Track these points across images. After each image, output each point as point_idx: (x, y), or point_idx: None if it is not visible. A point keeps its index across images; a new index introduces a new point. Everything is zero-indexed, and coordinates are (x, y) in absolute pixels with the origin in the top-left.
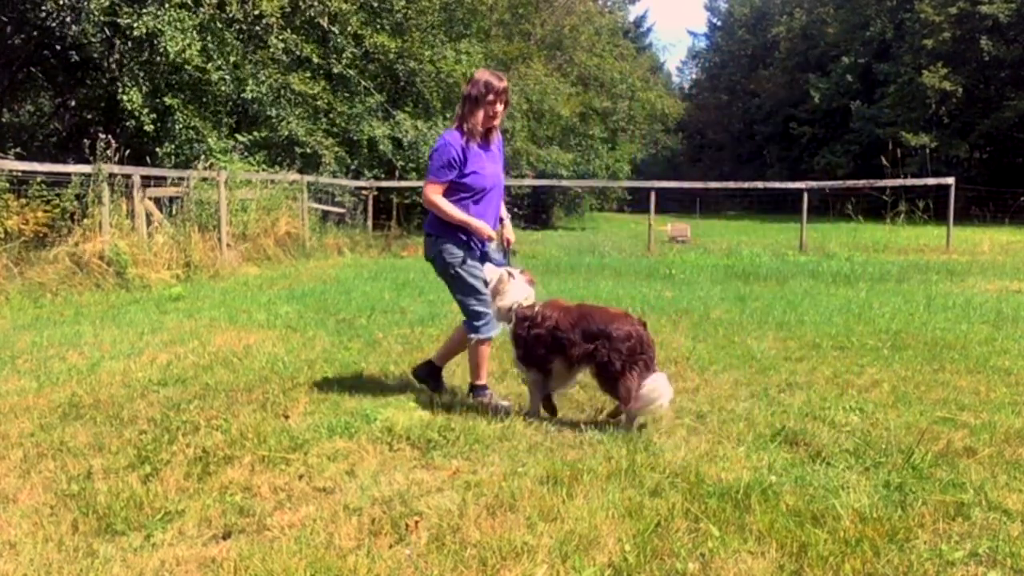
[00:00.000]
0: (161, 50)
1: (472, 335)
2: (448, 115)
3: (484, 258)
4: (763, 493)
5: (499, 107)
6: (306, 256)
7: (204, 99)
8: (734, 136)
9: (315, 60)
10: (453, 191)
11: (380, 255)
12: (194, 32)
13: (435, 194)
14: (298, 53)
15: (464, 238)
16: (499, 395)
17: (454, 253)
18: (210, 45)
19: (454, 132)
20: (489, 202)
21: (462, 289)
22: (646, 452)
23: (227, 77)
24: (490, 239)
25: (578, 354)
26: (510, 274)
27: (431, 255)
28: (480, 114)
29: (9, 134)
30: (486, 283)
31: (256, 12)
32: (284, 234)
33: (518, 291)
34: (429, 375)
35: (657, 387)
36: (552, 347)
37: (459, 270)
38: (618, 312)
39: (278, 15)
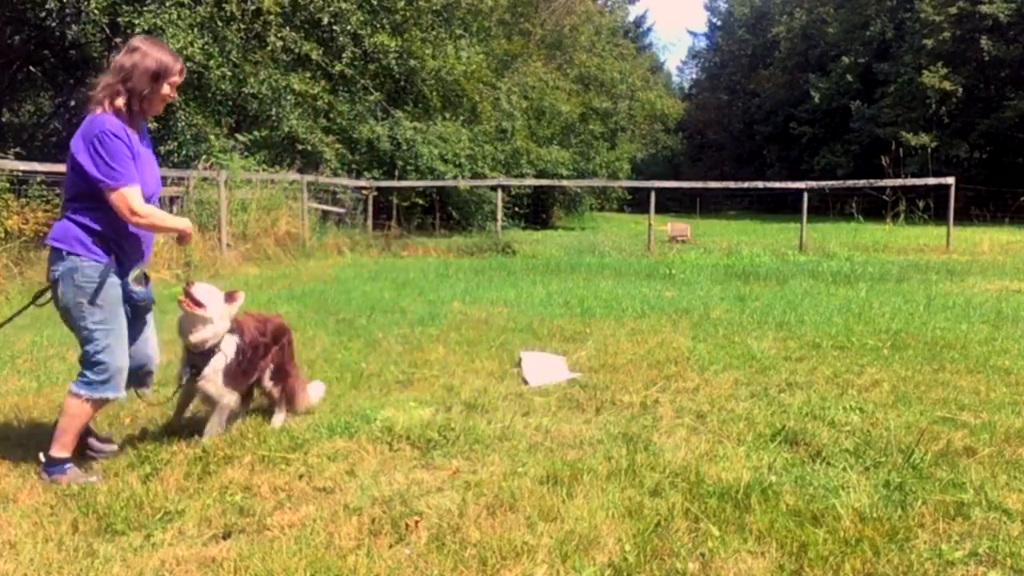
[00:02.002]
0: None
1: (85, 393)
2: (448, 114)
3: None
4: (763, 493)
5: (174, 93)
6: (306, 256)
7: (205, 97)
8: (734, 136)
9: (315, 58)
10: (99, 201)
11: (380, 255)
12: (194, 30)
13: (140, 201)
14: (297, 51)
15: (106, 253)
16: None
17: (91, 277)
18: (209, 44)
19: (111, 116)
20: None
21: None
22: (646, 452)
23: (228, 75)
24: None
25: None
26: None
27: (57, 272)
28: (152, 93)
29: (9, 134)
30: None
31: (254, 8)
32: (284, 234)
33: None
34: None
35: None
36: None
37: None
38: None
39: (277, 12)
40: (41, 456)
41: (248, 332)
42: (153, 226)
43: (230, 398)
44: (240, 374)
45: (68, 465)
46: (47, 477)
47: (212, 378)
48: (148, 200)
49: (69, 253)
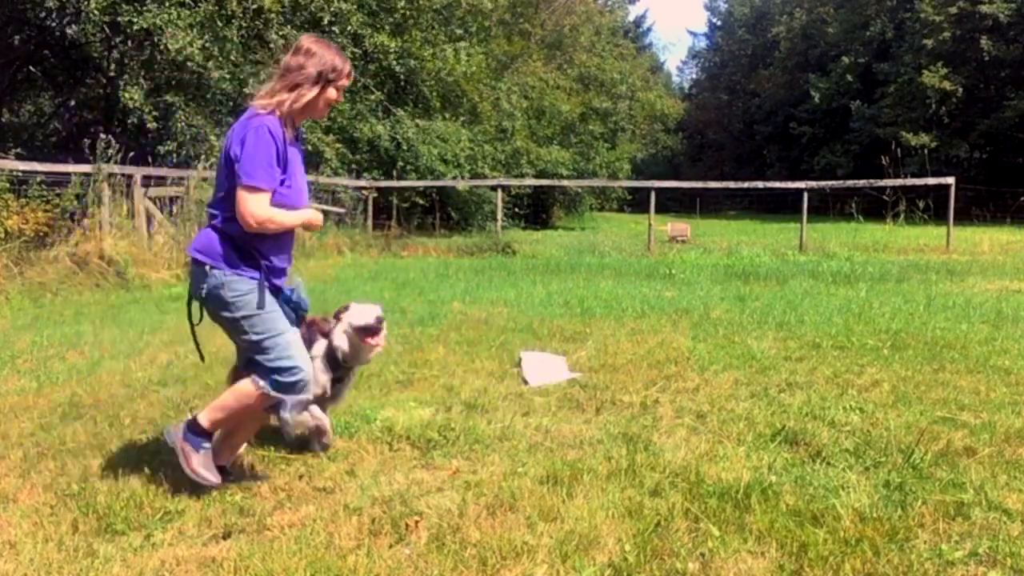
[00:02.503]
0: (162, 48)
1: (265, 385)
2: (448, 114)
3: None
4: (763, 493)
5: (339, 96)
6: (306, 256)
7: (205, 98)
8: (734, 136)
9: None
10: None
11: (380, 255)
12: (194, 30)
13: (265, 206)
14: None
15: (255, 269)
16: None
17: (241, 291)
18: (210, 44)
19: (270, 117)
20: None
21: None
22: (646, 452)
23: (227, 76)
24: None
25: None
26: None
27: (205, 289)
28: (316, 97)
29: (9, 134)
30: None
31: (255, 7)
32: None
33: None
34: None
35: None
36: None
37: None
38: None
39: (277, 11)
40: (190, 414)
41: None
42: (271, 230)
43: None
44: None
45: (207, 445)
46: (178, 440)
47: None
48: (295, 208)
49: (213, 268)
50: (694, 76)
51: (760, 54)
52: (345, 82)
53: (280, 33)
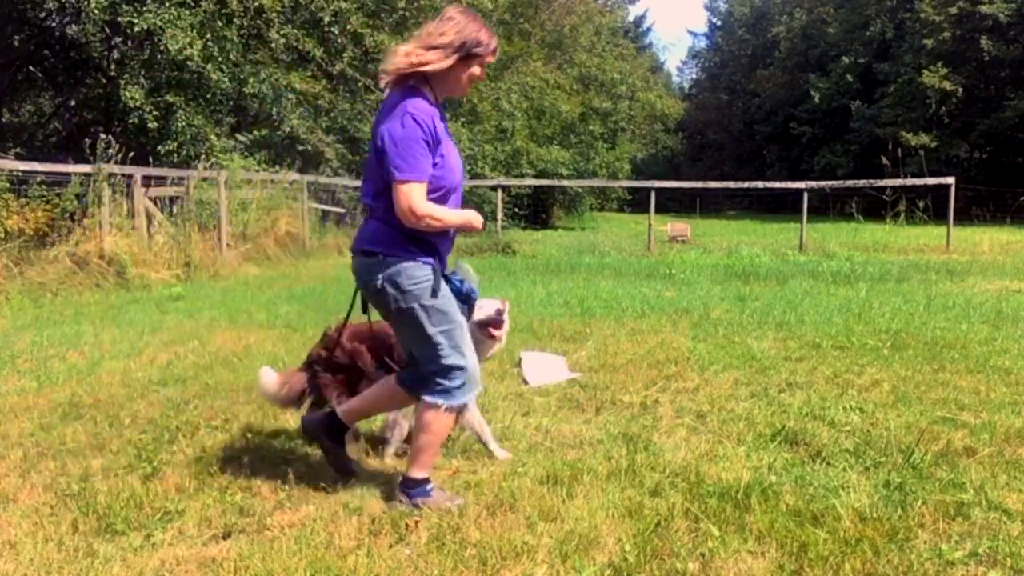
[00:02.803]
0: (162, 48)
1: (442, 402)
2: (447, 114)
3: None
4: (763, 493)
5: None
6: (306, 256)
7: (205, 97)
8: (734, 136)
9: (317, 55)
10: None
11: None
12: (194, 31)
13: (422, 200)
14: (299, 48)
15: (429, 255)
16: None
17: (419, 278)
18: (211, 43)
19: (419, 99)
20: (456, 204)
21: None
22: (646, 452)
23: (228, 75)
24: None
25: None
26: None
27: (380, 279)
28: (463, 73)
29: (9, 134)
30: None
31: (256, 5)
32: (284, 234)
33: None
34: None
35: None
36: None
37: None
38: None
39: (278, 10)
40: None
41: None
42: (432, 228)
43: None
44: None
45: (431, 486)
46: (408, 501)
47: None
48: (453, 190)
49: (387, 256)
50: (694, 76)
51: (760, 54)
52: (491, 59)
53: (281, 32)
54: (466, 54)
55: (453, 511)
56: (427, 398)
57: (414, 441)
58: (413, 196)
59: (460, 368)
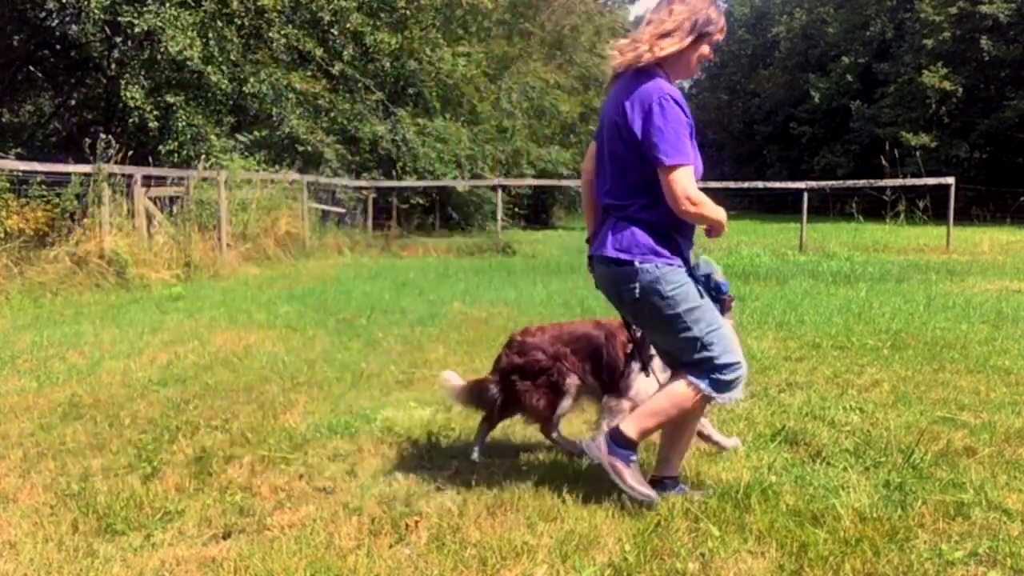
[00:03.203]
0: (162, 49)
1: (705, 386)
2: (448, 115)
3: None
4: (763, 493)
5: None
6: (306, 256)
7: (205, 97)
8: (734, 136)
9: (317, 55)
10: (656, 190)
11: (380, 255)
12: (194, 31)
13: (692, 184)
14: (299, 47)
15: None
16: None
17: (678, 283)
18: (211, 43)
19: (665, 81)
20: None
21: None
22: (646, 452)
23: (228, 76)
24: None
25: None
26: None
27: (638, 288)
28: (694, 56)
29: (9, 134)
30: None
31: (257, 6)
32: (284, 234)
33: None
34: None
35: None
36: None
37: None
38: None
39: (278, 10)
40: (604, 425)
41: None
42: (702, 216)
43: None
44: None
45: (634, 457)
46: (603, 455)
47: None
48: (698, 179)
49: (642, 262)
50: (694, 76)
51: (760, 54)
52: (719, 37)
53: (281, 32)
54: (698, 35)
55: (641, 499)
56: (693, 377)
57: (652, 402)
58: (687, 182)
59: (732, 365)
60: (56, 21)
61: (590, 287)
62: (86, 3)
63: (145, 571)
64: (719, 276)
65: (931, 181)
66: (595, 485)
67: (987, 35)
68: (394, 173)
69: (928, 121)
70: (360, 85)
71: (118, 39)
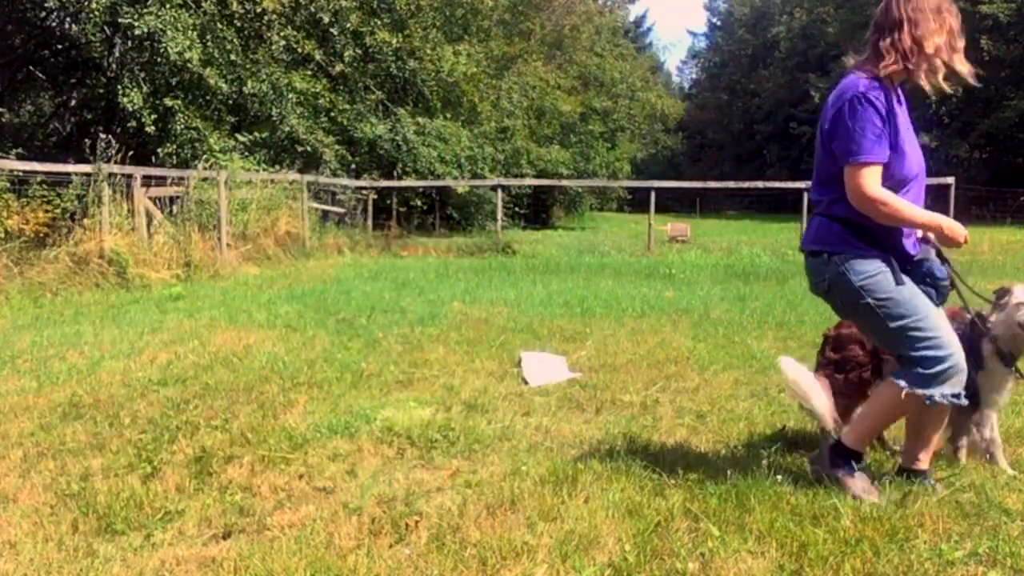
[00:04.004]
0: (162, 51)
1: (905, 385)
2: (448, 115)
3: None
4: (763, 493)
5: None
6: (306, 256)
7: (205, 99)
8: (734, 136)
9: (316, 57)
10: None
11: (380, 255)
12: (194, 33)
13: (876, 183)
14: (299, 50)
15: (877, 249)
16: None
17: (868, 272)
18: (211, 45)
19: (864, 78)
20: (918, 198)
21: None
22: (646, 452)
23: (227, 78)
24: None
25: None
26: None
27: (827, 280)
28: (940, 41)
29: (9, 134)
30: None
31: (258, 9)
32: (284, 234)
33: None
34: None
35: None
36: None
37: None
38: None
39: (279, 11)
40: (830, 437)
41: None
42: (890, 216)
43: None
44: None
45: (859, 467)
46: (827, 470)
47: None
48: (910, 180)
49: (832, 255)
50: (694, 76)
51: (760, 54)
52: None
53: (281, 35)
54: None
55: (863, 500)
56: (895, 378)
57: (865, 408)
58: (865, 179)
59: (935, 359)
60: (56, 21)
61: (590, 287)
62: (87, 3)
63: (145, 571)
64: (936, 267)
65: (931, 181)
66: (595, 485)
67: (987, 35)
68: (394, 173)
69: (928, 121)
70: (360, 85)
71: (118, 40)
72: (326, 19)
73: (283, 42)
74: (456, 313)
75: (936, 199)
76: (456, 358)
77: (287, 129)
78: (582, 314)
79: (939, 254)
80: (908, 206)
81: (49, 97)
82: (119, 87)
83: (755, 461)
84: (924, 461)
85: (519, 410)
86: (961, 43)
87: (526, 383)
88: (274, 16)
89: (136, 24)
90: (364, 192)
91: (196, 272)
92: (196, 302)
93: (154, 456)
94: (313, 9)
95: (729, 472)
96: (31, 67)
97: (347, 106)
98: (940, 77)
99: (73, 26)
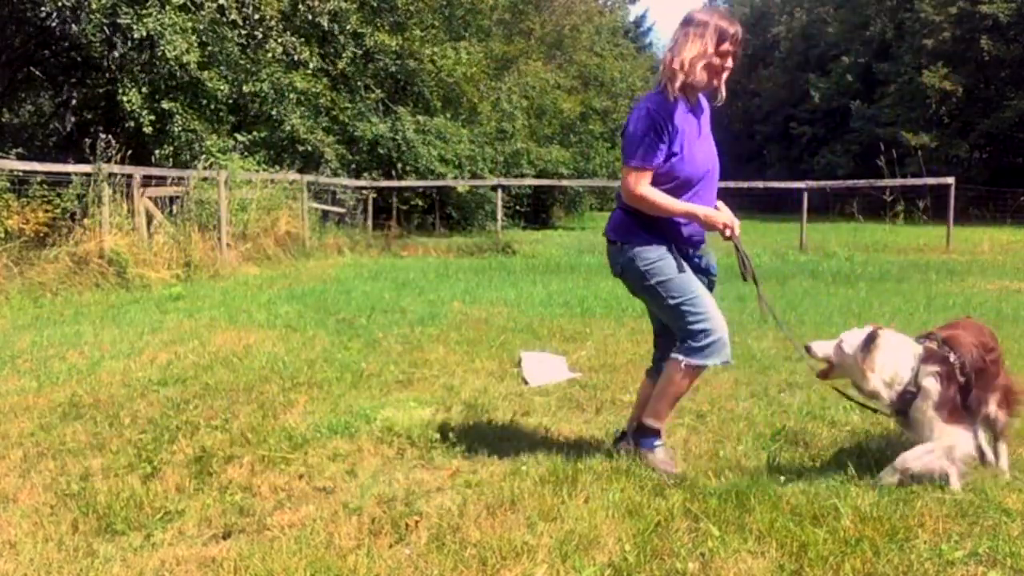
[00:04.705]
0: (160, 53)
1: (683, 358)
2: (448, 114)
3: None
4: (763, 493)
5: (730, 62)
6: (306, 256)
7: (203, 100)
8: (734, 136)
9: (313, 65)
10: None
11: (380, 255)
12: (193, 36)
13: (643, 184)
14: (296, 57)
15: (668, 243)
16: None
17: (651, 259)
18: (211, 47)
19: (652, 93)
20: (707, 196)
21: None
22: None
23: (226, 78)
24: (726, 231)
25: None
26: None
27: (620, 265)
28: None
29: (9, 134)
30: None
31: (257, 17)
32: (284, 234)
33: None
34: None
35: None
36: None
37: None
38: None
39: (278, 17)
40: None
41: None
42: (653, 209)
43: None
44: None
45: (659, 442)
46: (635, 448)
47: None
48: (697, 181)
49: (623, 243)
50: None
51: (760, 54)
52: (729, 47)
53: (279, 41)
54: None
55: (664, 477)
56: (674, 353)
57: (656, 389)
58: (632, 179)
59: (704, 331)
60: (56, 21)
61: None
62: (86, 3)
63: (145, 571)
64: (711, 260)
65: (931, 181)
66: (595, 485)
67: (987, 35)
68: (394, 173)
69: (928, 121)
70: (360, 84)
71: (118, 40)
72: (325, 23)
73: (280, 49)
74: (456, 313)
75: (936, 199)
76: (456, 358)
77: (288, 129)
78: (582, 314)
79: (739, 252)
80: (667, 200)
81: (49, 97)
82: (119, 87)
83: (755, 461)
84: (660, 420)
85: (519, 410)
86: (719, 61)
87: (526, 383)
88: (272, 24)
89: (135, 27)
90: (364, 192)
91: (196, 272)
92: (196, 302)
93: (154, 456)
94: (312, 15)
95: (729, 472)
96: (31, 67)
97: (348, 105)
98: (677, 87)
99: (73, 26)
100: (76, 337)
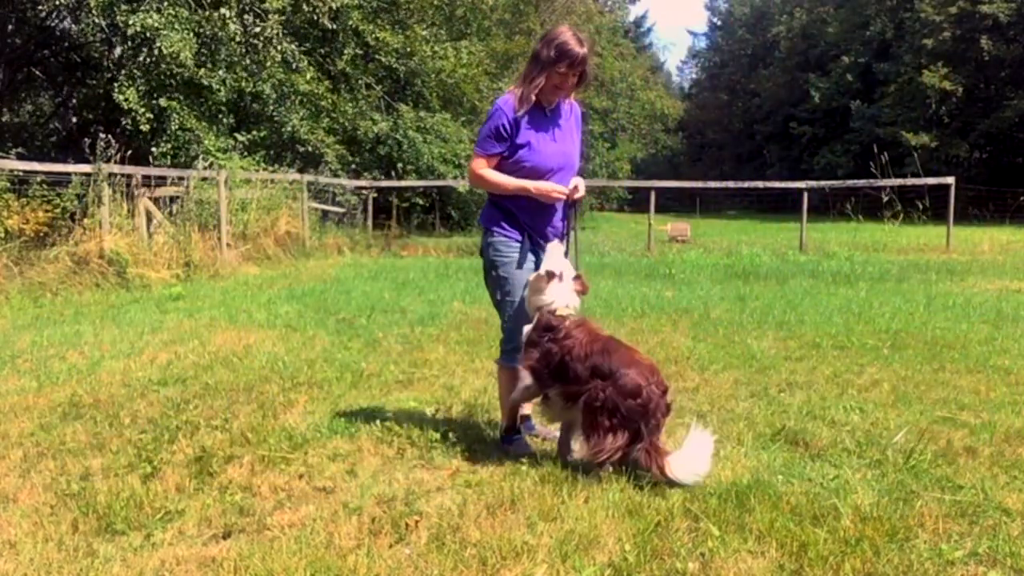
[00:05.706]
0: (157, 51)
1: (501, 360)
2: (448, 114)
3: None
4: (763, 493)
5: (571, 80)
6: (306, 256)
7: (201, 99)
8: (734, 136)
9: (310, 73)
10: (506, 169)
11: (380, 255)
12: (189, 33)
13: (480, 167)
14: (296, 65)
15: (518, 231)
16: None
17: (502, 252)
18: (210, 44)
19: (507, 96)
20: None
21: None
22: None
23: (225, 79)
24: (560, 198)
25: (574, 392)
26: (553, 275)
27: (481, 250)
28: (542, 81)
29: (9, 134)
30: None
31: (257, 29)
32: (284, 234)
33: (558, 294)
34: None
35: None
36: (557, 372)
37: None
38: (644, 361)
39: (279, 25)
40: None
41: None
42: (488, 186)
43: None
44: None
45: (515, 438)
46: (503, 447)
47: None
48: (547, 172)
49: (486, 231)
50: (694, 76)
51: (760, 54)
52: (564, 70)
53: (279, 48)
54: (543, 67)
55: (521, 457)
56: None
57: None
58: (474, 164)
59: (509, 333)
60: (56, 21)
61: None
62: (85, 2)
63: (145, 571)
64: (551, 263)
65: (931, 181)
66: (595, 485)
67: (987, 35)
68: (394, 173)
69: (928, 121)
70: (360, 83)
71: (117, 39)
72: (326, 20)
73: (279, 56)
74: (456, 313)
75: (936, 199)
76: (456, 358)
77: (289, 129)
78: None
79: (571, 212)
80: (501, 177)
81: (49, 97)
82: (116, 84)
83: (755, 461)
84: (504, 420)
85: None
86: (558, 79)
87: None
88: (272, 32)
89: (130, 22)
90: (364, 192)
91: (196, 272)
92: (196, 302)
93: (154, 456)
94: (315, 17)
95: (729, 472)
96: (31, 67)
97: (348, 106)
98: (529, 93)
99: (73, 26)
100: (76, 337)
